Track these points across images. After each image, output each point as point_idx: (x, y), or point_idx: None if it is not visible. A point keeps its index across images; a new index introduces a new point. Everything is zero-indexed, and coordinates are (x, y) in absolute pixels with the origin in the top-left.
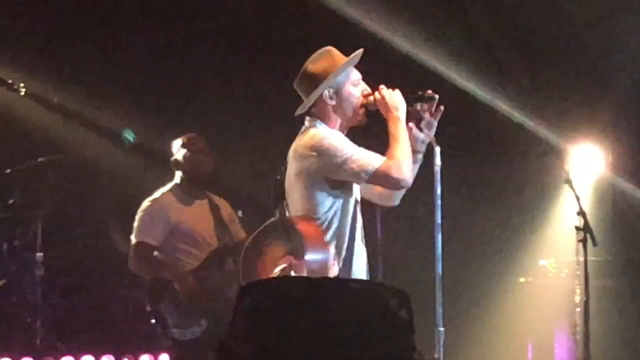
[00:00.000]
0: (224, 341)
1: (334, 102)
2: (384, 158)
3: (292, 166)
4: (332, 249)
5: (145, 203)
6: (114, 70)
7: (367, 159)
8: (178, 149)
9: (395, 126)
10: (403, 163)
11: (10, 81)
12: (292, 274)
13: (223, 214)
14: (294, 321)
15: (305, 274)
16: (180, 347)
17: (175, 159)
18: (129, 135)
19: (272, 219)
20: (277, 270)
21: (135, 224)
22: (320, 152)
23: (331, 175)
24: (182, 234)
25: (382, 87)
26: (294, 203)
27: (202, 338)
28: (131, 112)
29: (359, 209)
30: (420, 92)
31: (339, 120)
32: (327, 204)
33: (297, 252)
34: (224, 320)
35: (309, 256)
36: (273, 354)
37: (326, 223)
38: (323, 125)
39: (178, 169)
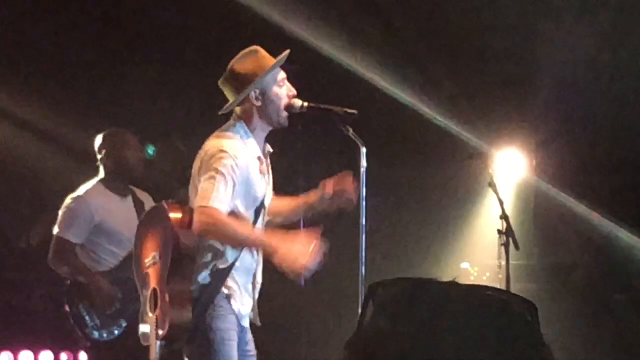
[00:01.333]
0: (354, 340)
1: (259, 103)
2: (215, 208)
3: (196, 165)
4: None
5: (68, 200)
6: (35, 65)
7: (210, 196)
8: (103, 144)
9: (265, 242)
10: (216, 225)
11: None
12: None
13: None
14: (424, 321)
15: (167, 265)
16: (100, 348)
17: (103, 154)
18: (150, 150)
19: (153, 205)
20: (146, 261)
21: (59, 219)
22: (204, 160)
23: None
24: (106, 233)
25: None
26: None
27: (122, 338)
28: (58, 104)
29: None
30: (343, 111)
31: (262, 121)
32: None
33: (166, 242)
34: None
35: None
36: (410, 355)
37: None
38: (243, 126)
39: (104, 164)
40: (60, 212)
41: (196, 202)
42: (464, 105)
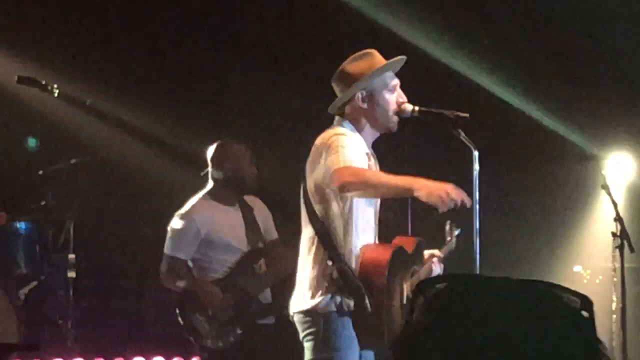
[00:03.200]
0: (402, 336)
1: (365, 106)
2: (346, 165)
3: (309, 164)
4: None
5: (175, 218)
6: (147, 73)
7: (341, 159)
8: (216, 154)
9: (408, 182)
10: (358, 177)
11: (44, 82)
12: None
13: (256, 214)
14: (475, 317)
15: None
16: (216, 356)
17: (215, 164)
18: (32, 143)
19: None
20: None
21: (167, 239)
22: (323, 149)
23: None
24: (215, 244)
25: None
26: (305, 200)
27: (237, 345)
28: (162, 114)
29: (373, 205)
30: (454, 114)
31: (369, 124)
32: (333, 200)
33: None
34: (260, 325)
35: None
36: (458, 349)
37: (335, 221)
38: (350, 125)
39: (215, 174)
40: (168, 231)
41: (327, 173)
42: (574, 107)
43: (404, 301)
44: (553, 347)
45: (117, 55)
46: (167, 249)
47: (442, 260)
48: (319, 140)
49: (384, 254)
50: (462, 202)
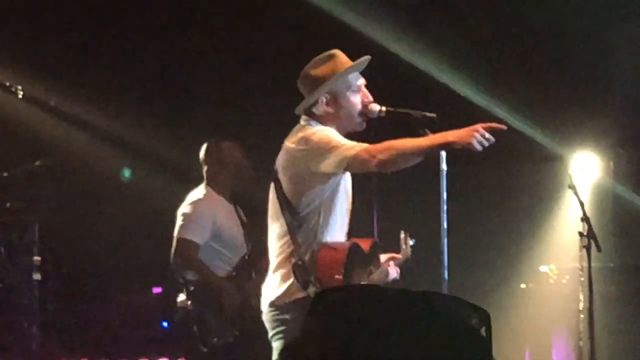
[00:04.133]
0: (293, 343)
1: (330, 109)
2: (363, 145)
3: (281, 160)
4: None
5: (186, 207)
6: (113, 75)
7: (351, 146)
8: (207, 155)
9: (439, 136)
10: (389, 151)
11: (8, 84)
12: None
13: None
14: (367, 330)
15: None
16: (217, 354)
17: (208, 165)
18: (127, 173)
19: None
20: None
21: (178, 224)
22: (309, 145)
23: (317, 168)
24: (223, 238)
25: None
26: (287, 196)
27: (233, 346)
28: (128, 116)
29: (345, 206)
30: (421, 115)
31: (335, 125)
32: (314, 197)
33: None
34: (251, 330)
35: None
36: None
37: (310, 217)
38: (317, 124)
39: (209, 174)
40: (179, 219)
41: (344, 157)
42: (540, 107)
43: None
44: None
45: (82, 57)
46: (178, 233)
47: (399, 265)
48: (292, 138)
49: (341, 250)
50: (495, 131)
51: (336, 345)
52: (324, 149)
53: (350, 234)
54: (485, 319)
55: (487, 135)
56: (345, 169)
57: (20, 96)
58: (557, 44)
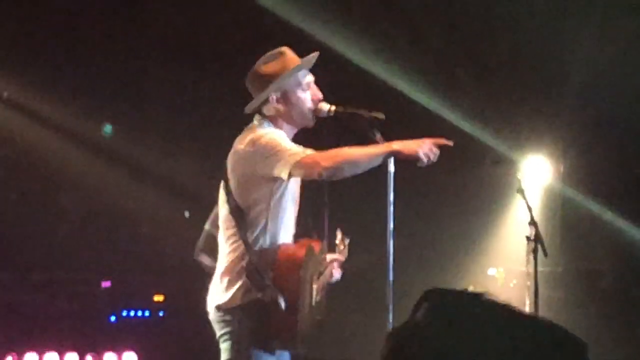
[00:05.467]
0: (396, 332)
1: (280, 106)
2: (312, 151)
3: (230, 160)
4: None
5: None
6: (67, 66)
7: (296, 152)
8: None
9: (385, 145)
10: (334, 159)
11: None
12: None
13: None
14: (469, 335)
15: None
16: None
17: None
18: (107, 130)
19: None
20: None
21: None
22: (256, 147)
23: (262, 171)
24: None
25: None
26: (235, 198)
27: None
28: (81, 108)
29: (294, 207)
30: (370, 115)
31: (286, 123)
32: (260, 200)
33: None
34: None
35: None
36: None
37: (257, 219)
38: (269, 124)
39: None
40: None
41: (289, 163)
42: (490, 111)
43: (313, 303)
44: None
45: (34, 48)
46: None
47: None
48: (241, 139)
49: (299, 253)
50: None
51: (439, 346)
52: (270, 153)
53: (296, 235)
54: (585, 351)
55: (434, 149)
56: (290, 175)
57: None
58: (509, 48)
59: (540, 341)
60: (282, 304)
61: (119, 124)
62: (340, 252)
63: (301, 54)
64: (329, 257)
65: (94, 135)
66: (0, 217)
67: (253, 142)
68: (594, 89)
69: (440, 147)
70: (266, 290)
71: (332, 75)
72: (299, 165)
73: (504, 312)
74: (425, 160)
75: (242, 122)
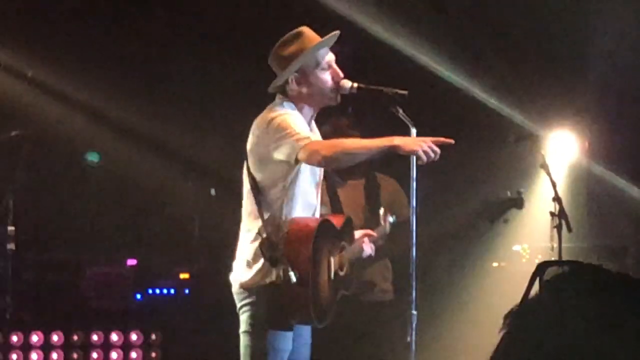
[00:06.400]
0: (517, 311)
1: (300, 86)
2: (316, 140)
3: (249, 141)
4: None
5: None
6: (93, 47)
7: (302, 138)
8: None
9: (385, 139)
10: (334, 148)
11: None
12: None
13: None
14: (590, 306)
15: None
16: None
17: None
18: (94, 158)
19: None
20: None
21: None
22: (269, 129)
23: (273, 153)
24: None
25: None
26: (253, 175)
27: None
28: (108, 89)
29: (314, 185)
30: (393, 92)
31: (306, 103)
32: (278, 179)
33: None
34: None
35: None
36: (570, 342)
37: (275, 197)
38: (290, 105)
39: None
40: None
41: (295, 148)
42: (515, 86)
43: (332, 276)
44: None
45: (60, 26)
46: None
47: (374, 242)
48: (259, 119)
49: (311, 225)
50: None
51: (566, 328)
52: (279, 136)
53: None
54: None
55: (435, 148)
56: (296, 161)
57: None
58: (535, 21)
59: None
60: (293, 277)
61: (145, 103)
62: (379, 228)
63: (324, 30)
64: (359, 232)
65: (119, 115)
66: (25, 198)
67: (267, 123)
68: (621, 63)
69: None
70: (278, 264)
71: (355, 51)
72: (303, 151)
73: (621, 279)
74: (424, 158)
75: (268, 102)
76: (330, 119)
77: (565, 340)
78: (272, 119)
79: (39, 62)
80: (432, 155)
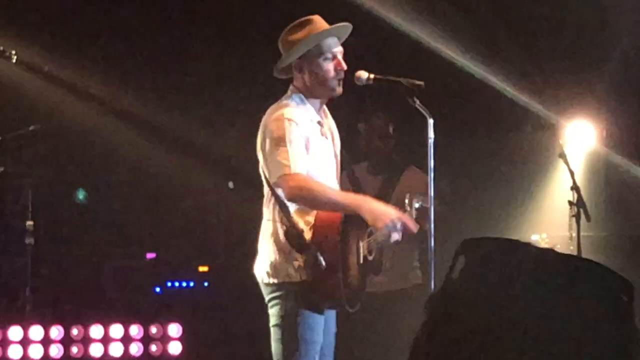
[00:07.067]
0: (438, 296)
1: (302, 74)
2: (297, 172)
3: (259, 132)
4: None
5: None
6: (109, 40)
7: (284, 166)
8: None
9: (355, 203)
10: (303, 191)
11: (2, 48)
12: None
13: None
14: (513, 285)
15: None
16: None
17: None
18: (81, 195)
19: None
20: None
21: None
22: (266, 133)
23: (264, 159)
24: None
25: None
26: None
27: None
28: (125, 83)
29: (330, 169)
30: (409, 82)
31: (311, 94)
32: None
33: None
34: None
35: None
36: (492, 318)
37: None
38: (299, 96)
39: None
40: None
41: (277, 171)
42: (533, 75)
43: (361, 260)
44: (585, 330)
45: (76, 21)
46: None
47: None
48: (269, 111)
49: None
50: (408, 229)
51: (488, 303)
52: (272, 150)
53: None
54: (629, 288)
55: (399, 227)
56: (274, 184)
57: (14, 61)
58: (553, 10)
59: (586, 281)
60: (323, 263)
61: (162, 97)
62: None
63: (340, 21)
64: None
65: (137, 109)
66: (44, 192)
67: (266, 124)
68: (638, 52)
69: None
70: (306, 251)
71: (373, 41)
72: (280, 179)
73: (546, 256)
74: (386, 235)
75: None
76: (369, 118)
77: (490, 321)
78: (274, 120)
79: (56, 57)
80: (396, 236)
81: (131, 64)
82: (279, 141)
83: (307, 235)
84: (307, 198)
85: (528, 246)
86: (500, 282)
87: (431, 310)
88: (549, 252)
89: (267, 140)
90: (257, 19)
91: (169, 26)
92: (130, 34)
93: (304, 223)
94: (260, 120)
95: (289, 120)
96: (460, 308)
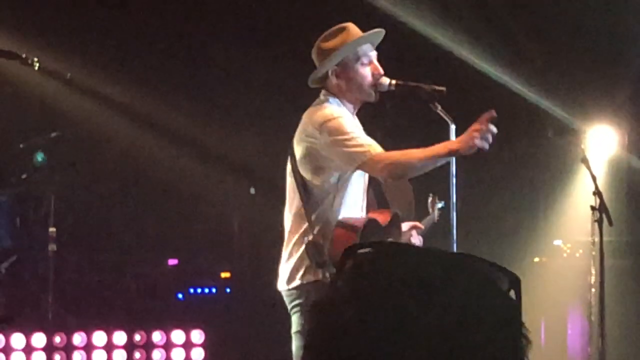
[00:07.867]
0: (319, 302)
1: (340, 81)
2: (379, 151)
3: (298, 137)
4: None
5: None
6: (131, 48)
7: (363, 150)
8: None
9: (442, 146)
10: (401, 161)
11: (24, 56)
12: None
13: None
14: (396, 288)
15: None
16: None
17: None
18: (40, 157)
19: None
20: None
21: None
22: (323, 129)
23: (328, 156)
24: None
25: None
26: (301, 173)
27: None
28: (145, 89)
29: (361, 184)
30: (431, 88)
31: (346, 98)
32: (327, 179)
33: None
34: None
35: None
36: (371, 321)
37: (323, 197)
38: (336, 100)
39: None
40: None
41: (354, 161)
42: (555, 81)
43: None
44: (474, 329)
45: (98, 29)
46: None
47: (422, 233)
48: (310, 116)
49: (356, 225)
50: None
51: (363, 305)
52: (338, 140)
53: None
54: (517, 284)
55: (487, 127)
56: (356, 169)
57: (36, 68)
58: (575, 16)
59: (470, 277)
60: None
61: (183, 104)
62: (428, 217)
63: (366, 27)
64: (406, 225)
65: (159, 116)
66: (66, 198)
67: (320, 124)
68: None
69: (493, 120)
70: (324, 268)
71: (396, 46)
72: (366, 162)
73: (426, 256)
74: (486, 146)
75: (307, 99)
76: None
77: (363, 332)
78: (327, 120)
79: (78, 64)
80: (490, 138)
81: (154, 72)
82: (343, 132)
83: (327, 250)
84: (403, 169)
85: (410, 247)
86: (377, 283)
87: (312, 317)
88: (434, 252)
89: (325, 136)
90: (279, 28)
91: (192, 34)
92: (154, 44)
93: (324, 237)
94: (280, 125)
95: (340, 117)
96: (340, 312)
